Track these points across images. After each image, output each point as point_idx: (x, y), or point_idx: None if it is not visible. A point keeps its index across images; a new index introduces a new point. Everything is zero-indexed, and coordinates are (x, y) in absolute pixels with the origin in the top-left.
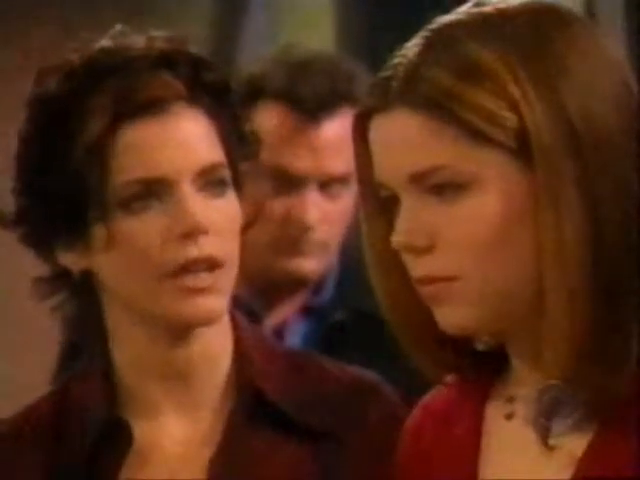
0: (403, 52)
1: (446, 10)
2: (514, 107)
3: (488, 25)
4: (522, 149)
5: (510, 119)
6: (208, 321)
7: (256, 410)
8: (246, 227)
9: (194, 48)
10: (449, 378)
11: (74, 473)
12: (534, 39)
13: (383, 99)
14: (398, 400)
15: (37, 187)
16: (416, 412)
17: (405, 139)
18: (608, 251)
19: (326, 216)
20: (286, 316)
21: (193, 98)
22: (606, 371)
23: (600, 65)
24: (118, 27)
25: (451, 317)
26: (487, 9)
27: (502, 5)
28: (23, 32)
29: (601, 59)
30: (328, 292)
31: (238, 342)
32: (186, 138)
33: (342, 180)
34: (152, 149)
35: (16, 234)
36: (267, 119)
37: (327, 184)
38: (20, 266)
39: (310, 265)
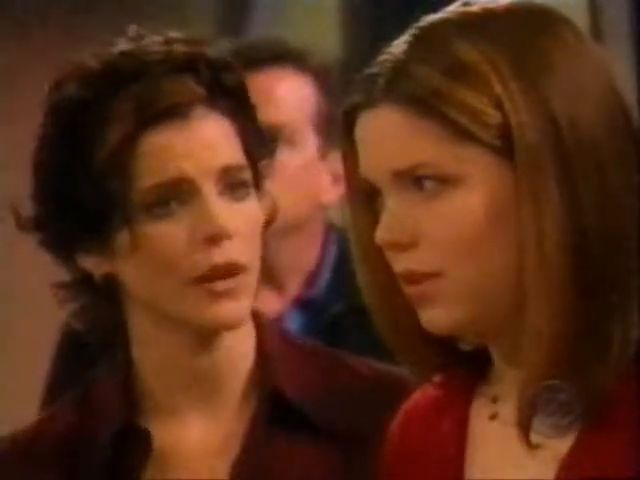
0: (390, 49)
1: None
2: (498, 105)
3: (475, 24)
4: (506, 147)
5: (494, 117)
6: (232, 325)
7: (278, 412)
8: (265, 226)
9: (213, 50)
10: (435, 377)
11: (98, 478)
12: (520, 38)
13: (369, 95)
14: None
15: (58, 193)
16: (402, 412)
17: (390, 136)
18: (590, 251)
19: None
20: (273, 308)
21: (213, 101)
22: (587, 370)
23: (585, 65)
24: (134, 28)
25: (435, 317)
26: (474, 8)
27: (489, 5)
28: (24, 33)
29: (586, 60)
30: (323, 284)
31: (261, 343)
32: (207, 142)
33: (279, 131)
34: (173, 154)
35: (37, 238)
36: None
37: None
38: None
39: None
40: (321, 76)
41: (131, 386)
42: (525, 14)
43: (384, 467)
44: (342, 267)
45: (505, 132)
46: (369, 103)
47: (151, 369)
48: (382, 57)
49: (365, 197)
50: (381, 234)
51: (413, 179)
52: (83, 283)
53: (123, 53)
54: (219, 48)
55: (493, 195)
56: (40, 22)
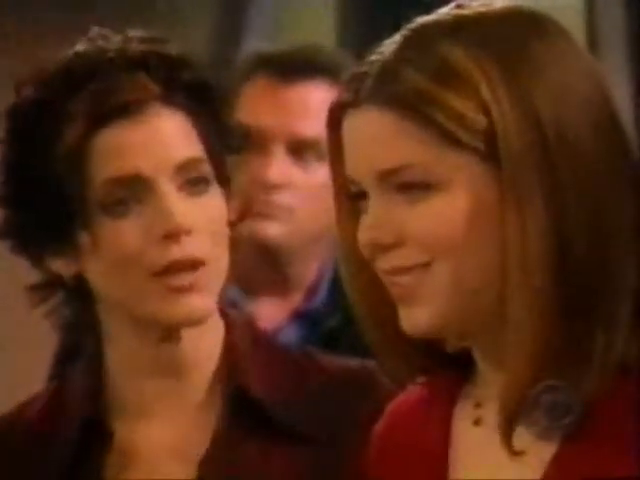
0: (380, 49)
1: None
2: (485, 110)
3: (466, 28)
4: (491, 152)
5: (480, 122)
6: (193, 321)
7: (244, 412)
8: (235, 222)
9: (172, 47)
10: (420, 379)
11: (60, 472)
12: (511, 44)
13: (356, 94)
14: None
15: (20, 196)
16: (387, 413)
17: (374, 136)
18: (573, 257)
19: (293, 181)
20: (275, 318)
21: (169, 98)
22: (570, 377)
23: (576, 73)
24: (95, 29)
25: (414, 318)
26: (467, 12)
27: (482, 8)
28: (20, 36)
29: (577, 67)
30: (321, 297)
31: (228, 342)
32: (162, 137)
33: (312, 146)
34: (128, 151)
35: (8, 244)
36: (250, 86)
37: (297, 149)
38: (16, 272)
39: (273, 229)
40: None
41: (100, 382)
42: (518, 19)
43: (369, 468)
44: (339, 279)
45: (491, 137)
46: (356, 102)
47: (119, 364)
48: (372, 56)
49: (351, 198)
50: (363, 234)
51: (397, 181)
52: (54, 284)
53: (77, 54)
54: (178, 45)
55: (477, 200)
56: (34, 24)
